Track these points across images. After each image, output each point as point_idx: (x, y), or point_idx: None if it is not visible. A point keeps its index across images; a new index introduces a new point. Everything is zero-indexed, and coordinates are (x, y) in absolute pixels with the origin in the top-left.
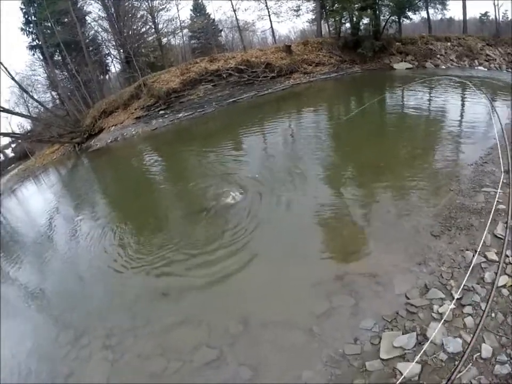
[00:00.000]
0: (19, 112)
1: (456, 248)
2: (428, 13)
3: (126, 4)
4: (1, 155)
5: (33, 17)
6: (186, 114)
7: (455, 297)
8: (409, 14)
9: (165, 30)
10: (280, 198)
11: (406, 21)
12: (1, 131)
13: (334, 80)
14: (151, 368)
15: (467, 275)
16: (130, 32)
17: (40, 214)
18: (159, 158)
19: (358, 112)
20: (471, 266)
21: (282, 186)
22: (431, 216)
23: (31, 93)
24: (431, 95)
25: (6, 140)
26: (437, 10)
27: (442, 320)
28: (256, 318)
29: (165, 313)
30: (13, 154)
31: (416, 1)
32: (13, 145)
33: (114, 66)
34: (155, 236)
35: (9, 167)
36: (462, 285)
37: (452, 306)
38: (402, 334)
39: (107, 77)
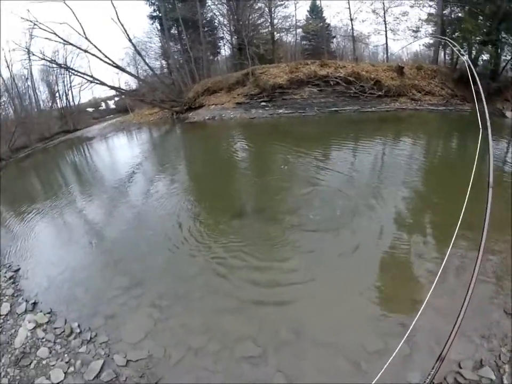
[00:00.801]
0: (129, 71)
1: None
2: None
3: None
4: (104, 105)
5: None
6: (286, 111)
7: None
8: None
9: (280, 25)
10: (359, 220)
11: None
12: (110, 84)
13: (441, 114)
14: (191, 341)
15: None
16: (246, 22)
17: (124, 164)
18: (250, 145)
19: (457, 156)
20: None
21: (363, 208)
22: (510, 291)
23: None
24: None
25: (111, 93)
26: None
27: None
28: (309, 332)
29: (221, 297)
30: (114, 107)
31: None
32: (116, 99)
33: (225, 50)
34: (228, 221)
35: (107, 116)
36: None
37: None
38: None
39: (216, 58)
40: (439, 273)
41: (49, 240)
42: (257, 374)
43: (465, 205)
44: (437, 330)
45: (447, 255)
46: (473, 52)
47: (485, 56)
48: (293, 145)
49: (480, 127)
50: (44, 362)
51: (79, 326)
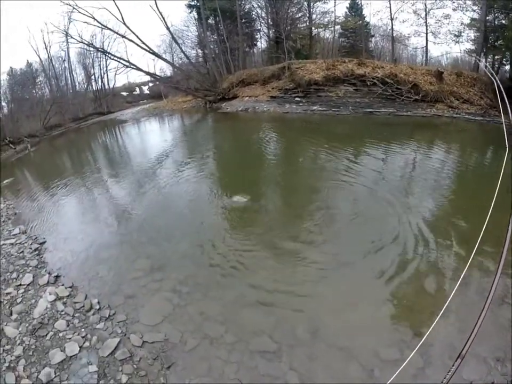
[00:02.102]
0: (165, 58)
1: None
2: None
3: None
4: (138, 90)
5: None
6: (320, 109)
7: None
8: None
9: (318, 21)
10: (382, 225)
11: None
12: (145, 70)
13: (478, 124)
14: (207, 330)
15: None
16: (285, 15)
17: (155, 148)
18: (281, 140)
19: (487, 169)
20: None
21: (386, 213)
22: None
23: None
24: None
25: (146, 78)
26: None
27: None
28: (326, 333)
29: (240, 289)
30: (147, 92)
31: None
32: (151, 85)
33: (261, 43)
34: (251, 213)
35: (141, 101)
36: None
37: None
38: None
39: (252, 50)
40: (456, 286)
41: (76, 216)
42: (270, 369)
43: (487, 219)
44: (451, 345)
45: (466, 268)
46: None
47: None
48: (324, 144)
49: (506, 142)
50: (61, 334)
51: (98, 302)
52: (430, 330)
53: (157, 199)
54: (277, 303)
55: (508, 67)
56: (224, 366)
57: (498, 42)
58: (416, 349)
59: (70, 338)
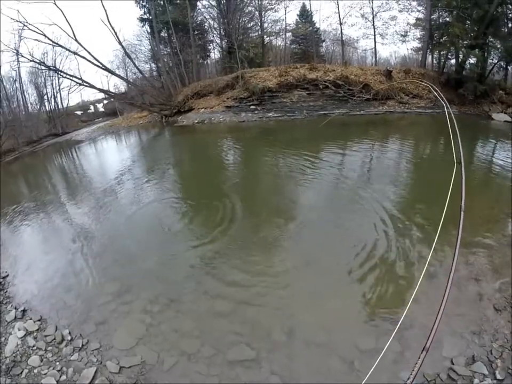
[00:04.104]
0: (119, 74)
1: None
2: None
3: None
4: (93, 108)
5: None
6: (275, 115)
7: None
8: None
9: (270, 29)
10: (345, 221)
11: None
12: (99, 87)
13: (429, 116)
14: (183, 346)
15: None
16: (237, 25)
17: (113, 168)
18: (239, 149)
19: (440, 157)
20: None
21: (349, 208)
22: (499, 288)
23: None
24: None
25: (100, 96)
26: None
27: None
28: (302, 332)
29: (212, 299)
30: (102, 110)
31: None
32: (105, 102)
33: (215, 54)
34: (216, 225)
35: (96, 120)
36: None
37: None
38: None
39: (206, 61)
40: (424, 271)
41: (37, 244)
42: (251, 376)
43: (447, 203)
44: (426, 327)
45: (430, 253)
46: (460, 56)
47: (472, 60)
48: (282, 149)
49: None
50: (36, 371)
51: (70, 333)
52: (404, 314)
53: (118, 219)
54: (250, 307)
55: (453, 61)
56: (205, 380)
57: (443, 39)
58: (393, 335)
59: (45, 374)
